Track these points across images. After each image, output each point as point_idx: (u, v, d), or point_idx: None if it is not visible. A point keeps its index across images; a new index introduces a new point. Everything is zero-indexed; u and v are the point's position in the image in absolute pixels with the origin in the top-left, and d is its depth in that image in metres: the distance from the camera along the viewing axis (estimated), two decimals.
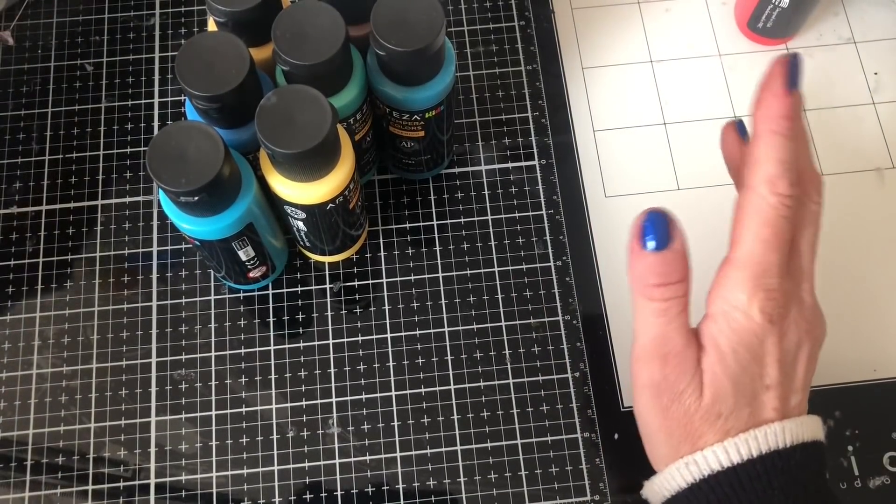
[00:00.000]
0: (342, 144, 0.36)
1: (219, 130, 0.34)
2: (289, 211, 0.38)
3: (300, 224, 0.39)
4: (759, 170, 0.32)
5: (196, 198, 0.33)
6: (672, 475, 0.32)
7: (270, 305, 0.44)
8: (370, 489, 0.40)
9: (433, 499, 0.40)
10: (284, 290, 0.44)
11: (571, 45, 0.49)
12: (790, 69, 0.32)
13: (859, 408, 0.41)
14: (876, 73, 0.48)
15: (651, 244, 0.32)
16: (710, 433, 0.32)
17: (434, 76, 0.38)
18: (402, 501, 0.40)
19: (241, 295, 0.44)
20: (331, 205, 0.37)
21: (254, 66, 0.35)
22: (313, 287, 0.44)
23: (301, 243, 0.42)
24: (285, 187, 0.36)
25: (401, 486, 0.41)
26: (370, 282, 0.44)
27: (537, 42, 0.49)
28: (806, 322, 0.33)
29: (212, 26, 0.38)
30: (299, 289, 0.44)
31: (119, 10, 0.50)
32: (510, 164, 0.47)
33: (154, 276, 0.44)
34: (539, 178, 0.46)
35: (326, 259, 0.44)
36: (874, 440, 0.41)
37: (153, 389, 0.42)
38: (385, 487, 0.40)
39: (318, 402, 0.42)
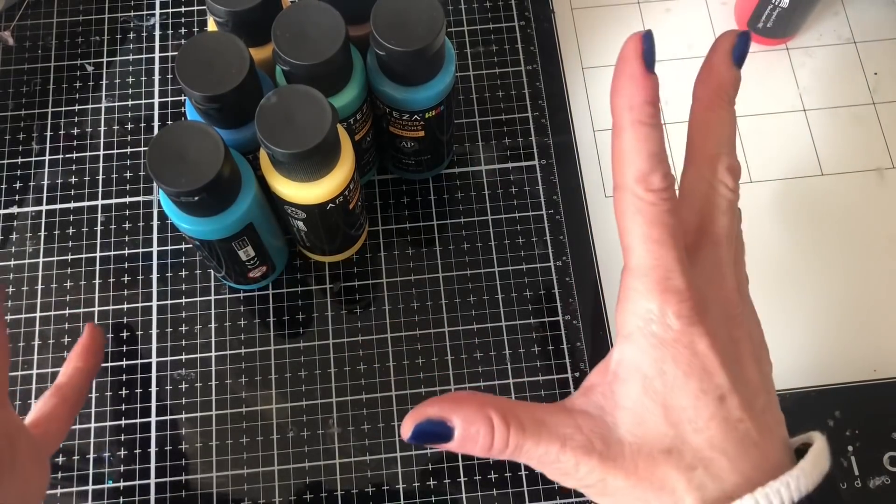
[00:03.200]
0: (342, 144, 0.36)
1: (219, 130, 0.34)
2: (289, 211, 0.38)
3: (300, 224, 0.39)
4: (628, 167, 0.28)
5: (196, 198, 0.33)
6: None
7: (270, 305, 0.44)
8: (370, 489, 0.40)
9: (433, 499, 0.40)
10: (284, 290, 0.44)
11: (571, 45, 0.49)
12: (646, 44, 0.28)
13: (859, 408, 0.41)
14: (876, 73, 0.48)
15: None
16: (674, 477, 0.26)
17: (434, 76, 0.38)
18: (402, 501, 0.40)
19: (241, 295, 0.44)
20: (331, 205, 0.37)
21: (254, 66, 0.35)
22: (313, 287, 0.44)
23: (301, 243, 0.42)
24: (285, 187, 0.36)
25: (401, 486, 0.41)
26: (370, 282, 0.44)
27: (537, 42, 0.49)
28: (733, 318, 0.29)
29: (212, 26, 0.38)
30: (299, 289, 0.44)
31: (119, 10, 0.50)
32: (510, 164, 0.47)
33: (154, 276, 0.44)
34: (539, 178, 0.46)
35: (326, 259, 0.44)
36: (874, 440, 0.41)
37: (153, 389, 0.42)
38: (385, 487, 0.40)
39: (318, 402, 0.42)
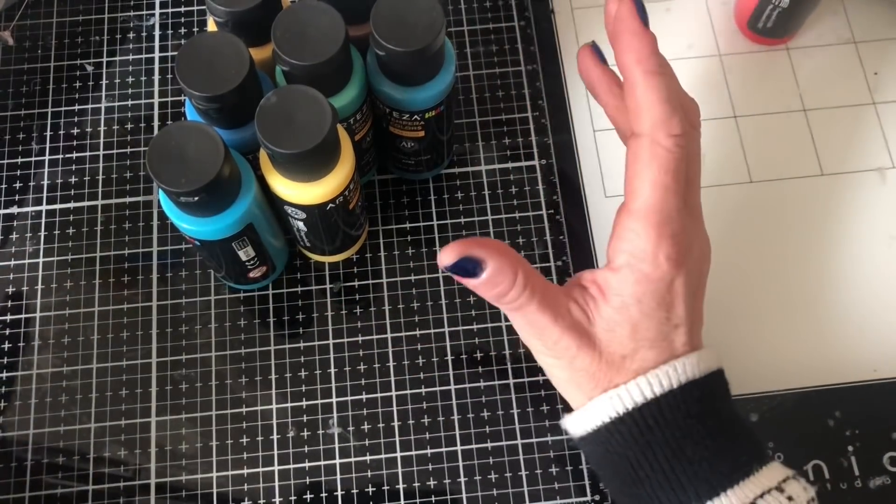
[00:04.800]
0: (342, 144, 0.36)
1: (219, 130, 0.34)
2: (289, 211, 0.38)
3: (300, 224, 0.39)
4: (646, 115, 0.30)
5: (196, 198, 0.33)
6: (596, 409, 0.31)
7: (270, 305, 0.44)
8: (370, 489, 0.40)
9: (433, 499, 0.40)
10: (284, 290, 0.44)
11: (571, 45, 0.49)
12: (638, 3, 0.31)
13: (859, 408, 0.41)
14: (876, 73, 0.48)
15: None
16: (620, 377, 0.31)
17: (434, 76, 0.38)
18: (402, 501, 0.40)
19: (241, 295, 0.44)
20: (331, 205, 0.37)
21: (254, 66, 0.35)
22: (313, 287, 0.44)
23: (301, 243, 0.42)
24: (285, 187, 0.36)
25: (401, 486, 0.41)
26: (370, 282, 0.44)
27: (537, 42, 0.49)
28: (703, 253, 0.33)
29: (212, 26, 0.38)
30: (299, 289, 0.44)
31: (119, 10, 0.50)
32: (510, 164, 0.47)
33: (154, 276, 0.44)
34: (539, 178, 0.46)
35: (326, 259, 0.44)
36: (874, 440, 0.41)
37: (153, 389, 0.42)
38: (385, 487, 0.40)
39: (318, 402, 0.42)
